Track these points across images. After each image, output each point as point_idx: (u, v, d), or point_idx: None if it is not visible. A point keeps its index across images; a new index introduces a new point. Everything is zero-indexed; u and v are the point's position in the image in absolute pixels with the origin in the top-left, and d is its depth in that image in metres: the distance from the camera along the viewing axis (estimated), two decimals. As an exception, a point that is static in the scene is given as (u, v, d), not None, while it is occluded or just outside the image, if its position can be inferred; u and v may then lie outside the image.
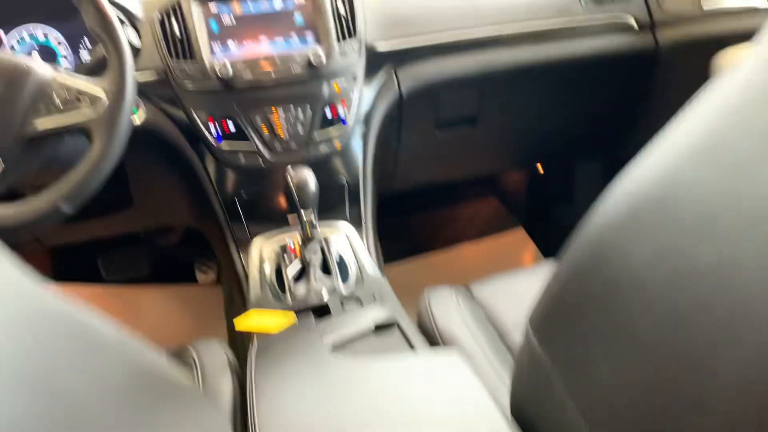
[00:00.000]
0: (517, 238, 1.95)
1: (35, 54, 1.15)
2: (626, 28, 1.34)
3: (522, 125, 1.51)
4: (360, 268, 1.05)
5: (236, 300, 1.19)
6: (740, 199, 0.38)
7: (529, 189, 2.02)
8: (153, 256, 1.79)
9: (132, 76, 0.85)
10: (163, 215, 1.45)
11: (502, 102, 1.41)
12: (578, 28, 1.32)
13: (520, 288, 1.02)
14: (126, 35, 0.88)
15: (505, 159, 1.67)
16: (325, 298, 0.97)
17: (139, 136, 0.86)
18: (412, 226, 1.97)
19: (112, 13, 0.85)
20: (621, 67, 1.39)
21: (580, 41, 1.33)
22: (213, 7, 1.12)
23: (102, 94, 0.83)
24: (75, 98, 0.83)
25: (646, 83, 1.41)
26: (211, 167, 1.17)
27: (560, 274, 0.59)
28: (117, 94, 0.83)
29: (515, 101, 1.42)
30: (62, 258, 1.73)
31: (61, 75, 0.85)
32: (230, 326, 1.46)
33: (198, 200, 1.23)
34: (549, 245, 1.92)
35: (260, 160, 1.12)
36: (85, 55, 1.16)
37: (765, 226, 0.36)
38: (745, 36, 1.16)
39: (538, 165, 1.94)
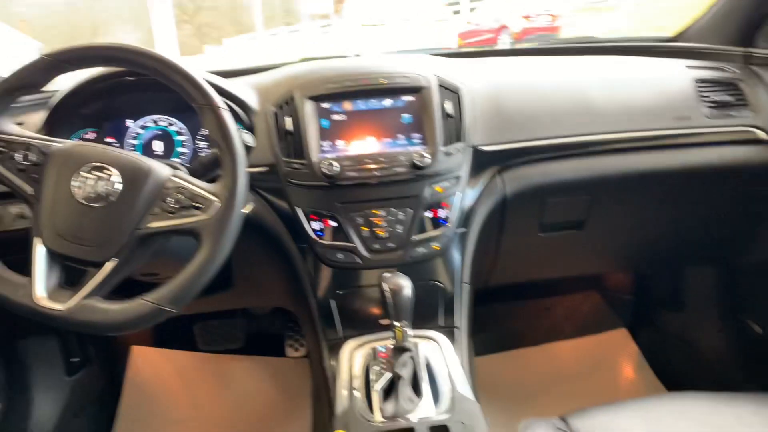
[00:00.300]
0: (619, 340, 1.84)
1: (156, 144, 1.23)
2: (755, 141, 1.25)
3: (632, 229, 1.43)
4: (452, 389, 1.01)
5: (322, 397, 1.18)
6: None
7: (634, 289, 1.91)
8: (247, 328, 1.84)
9: (245, 184, 0.88)
10: (260, 298, 1.49)
11: (613, 207, 1.35)
12: (700, 137, 1.25)
13: (625, 425, 0.94)
14: (242, 139, 0.91)
15: (611, 261, 1.59)
16: (414, 420, 0.94)
17: (244, 224, 0.89)
18: (505, 315, 1.91)
19: (232, 124, 0.89)
20: (744, 179, 1.30)
21: (701, 150, 1.26)
22: (324, 104, 1.16)
23: (215, 198, 0.87)
24: (189, 201, 0.87)
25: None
26: (309, 261, 1.18)
27: None
28: (229, 200, 0.86)
29: (627, 206, 1.36)
30: (161, 324, 1.81)
31: (178, 177, 0.89)
32: (315, 417, 1.46)
33: (294, 290, 1.25)
34: (654, 352, 1.79)
35: (358, 258, 1.12)
36: (202, 145, 1.23)
37: None
38: None
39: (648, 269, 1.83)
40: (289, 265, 1.20)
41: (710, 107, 1.26)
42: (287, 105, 1.15)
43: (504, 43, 13.45)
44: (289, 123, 1.14)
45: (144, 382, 1.79)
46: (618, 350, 1.84)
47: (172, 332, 1.83)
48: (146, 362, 1.81)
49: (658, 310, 1.81)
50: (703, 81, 1.28)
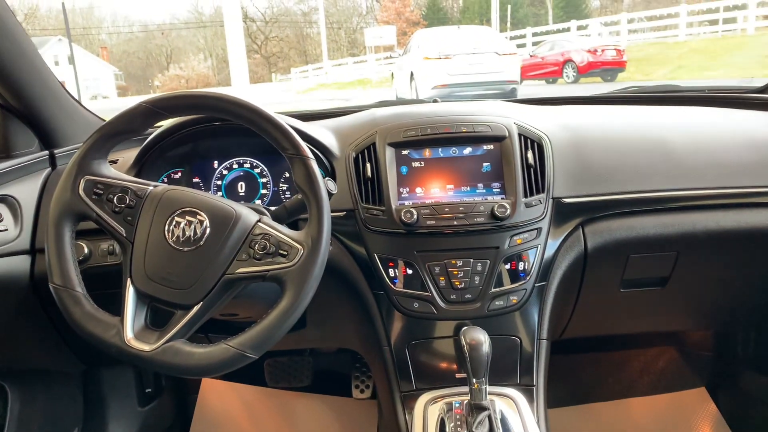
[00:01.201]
0: (698, 400, 1.75)
1: (240, 185, 1.26)
2: None
3: (717, 288, 1.37)
4: None
5: None
6: None
7: (715, 347, 1.81)
8: (314, 367, 1.85)
9: (328, 233, 0.89)
10: (330, 339, 1.49)
11: (698, 264, 1.29)
12: None
13: None
14: (326, 187, 0.92)
15: (693, 319, 1.52)
16: None
17: None
18: (578, 367, 1.85)
19: (319, 175, 0.90)
20: None
21: None
22: (404, 151, 1.17)
23: (300, 246, 0.88)
24: (275, 248, 0.88)
25: None
26: (383, 308, 1.18)
27: None
28: (313, 249, 0.87)
29: (713, 264, 1.30)
30: None
31: (264, 223, 0.91)
32: None
33: (366, 335, 1.24)
34: (734, 414, 1.69)
35: (434, 308, 1.11)
36: (284, 187, 1.25)
37: None
38: None
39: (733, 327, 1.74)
40: (362, 310, 1.20)
41: None
42: (367, 151, 1.16)
43: (568, 76, 13.38)
44: (369, 169, 1.15)
45: (213, 414, 1.81)
46: (696, 410, 1.74)
47: (242, 367, 1.86)
48: (216, 395, 1.84)
49: (740, 371, 1.72)
50: None
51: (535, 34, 19.10)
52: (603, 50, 13.16)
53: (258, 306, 1.13)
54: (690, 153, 1.22)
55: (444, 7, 37.76)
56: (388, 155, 1.15)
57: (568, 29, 18.20)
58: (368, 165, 1.15)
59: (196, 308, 0.88)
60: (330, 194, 1.12)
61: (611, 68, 12.87)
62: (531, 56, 14.67)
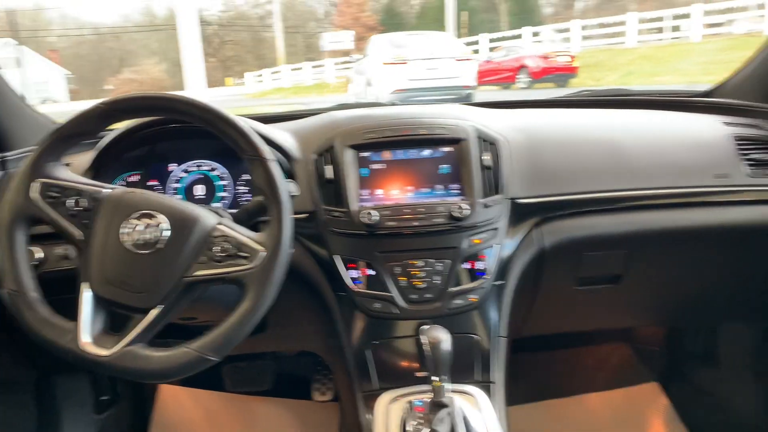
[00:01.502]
0: (650, 395, 1.81)
1: (198, 188, 1.25)
2: None
3: (668, 285, 1.42)
4: None
5: None
6: None
7: (666, 344, 1.88)
8: (274, 370, 1.84)
9: (290, 235, 0.89)
10: (292, 342, 1.49)
11: (650, 262, 1.33)
12: (739, 195, 1.24)
13: None
14: (288, 189, 0.92)
15: (647, 316, 1.57)
16: None
17: None
18: (536, 365, 1.89)
19: (280, 176, 0.91)
20: None
21: (742, 209, 1.25)
22: (364, 153, 1.17)
23: (260, 248, 0.87)
24: (235, 250, 0.88)
25: None
26: (345, 309, 1.18)
27: None
28: (274, 250, 0.87)
29: (665, 263, 1.35)
30: None
31: (224, 225, 0.90)
32: None
33: (328, 336, 1.25)
34: (685, 408, 1.75)
35: (395, 308, 1.12)
36: (243, 190, 1.25)
37: None
38: None
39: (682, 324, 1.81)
40: (324, 311, 1.20)
41: (751, 166, 1.25)
42: (327, 153, 1.17)
43: (522, 81, 13.62)
44: (329, 171, 1.15)
45: (171, 421, 1.78)
46: (649, 404, 1.80)
47: (200, 372, 1.84)
48: (174, 402, 1.81)
49: (690, 366, 1.78)
50: (742, 138, 1.28)
51: (491, 40, 19.37)
52: (556, 56, 13.45)
53: (218, 309, 1.12)
54: (639, 154, 1.26)
55: (401, 12, 37.98)
56: (349, 157, 1.16)
57: (520, 36, 18.52)
58: (328, 167, 1.15)
59: (155, 312, 0.87)
60: (291, 196, 1.12)
61: (564, 74, 13.15)
62: (486, 62, 14.88)
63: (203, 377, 1.82)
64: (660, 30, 16.71)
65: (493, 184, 1.16)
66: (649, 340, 1.92)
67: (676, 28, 16.27)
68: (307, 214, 1.15)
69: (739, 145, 1.27)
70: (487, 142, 1.19)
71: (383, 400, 1.12)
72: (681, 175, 1.24)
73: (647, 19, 16.59)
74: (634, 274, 1.32)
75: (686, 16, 15.51)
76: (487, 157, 1.17)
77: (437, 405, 1.00)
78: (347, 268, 1.13)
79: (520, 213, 1.18)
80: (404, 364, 1.18)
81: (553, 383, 1.87)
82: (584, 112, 1.43)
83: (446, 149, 1.18)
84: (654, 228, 1.23)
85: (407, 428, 1.02)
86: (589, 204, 1.22)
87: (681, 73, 11.21)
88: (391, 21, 34.24)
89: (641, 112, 1.43)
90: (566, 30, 17.97)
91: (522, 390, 1.75)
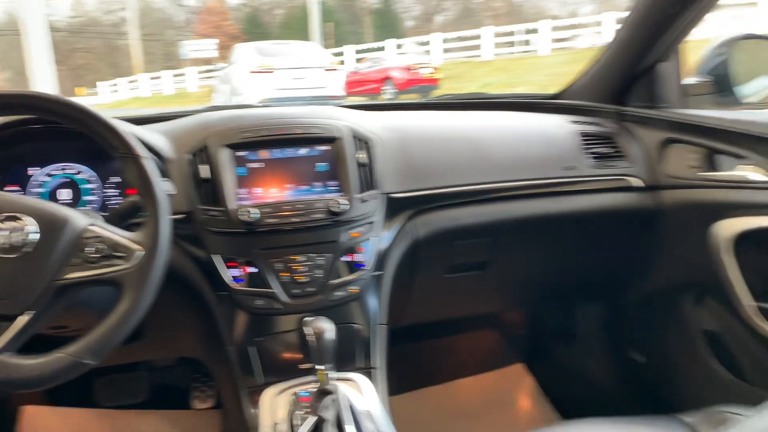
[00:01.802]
0: (517, 375, 1.95)
1: (62, 193, 1.19)
2: (630, 188, 1.41)
3: (528, 270, 1.55)
4: (376, 429, 1.04)
5: None
6: None
7: (529, 326, 2.04)
8: (149, 381, 1.77)
9: (167, 234, 0.88)
10: (169, 349, 1.45)
11: (511, 249, 1.45)
12: (584, 185, 1.39)
13: None
14: (163, 187, 0.91)
15: (511, 300, 1.70)
16: None
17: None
18: (415, 355, 1.97)
19: (155, 174, 0.89)
20: (623, 223, 1.46)
21: (586, 197, 1.39)
22: (240, 152, 1.18)
23: (137, 247, 0.86)
24: (110, 251, 0.85)
25: (646, 239, 1.47)
26: (227, 309, 1.18)
27: None
28: (153, 249, 0.86)
29: (524, 248, 1.47)
30: None
31: (97, 226, 0.87)
32: None
33: (209, 339, 1.23)
34: (549, 385, 1.91)
35: (278, 304, 1.13)
36: (112, 192, 1.20)
37: None
38: (744, 208, 1.23)
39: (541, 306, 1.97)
40: (204, 313, 1.19)
41: (593, 158, 1.41)
42: (202, 153, 1.16)
43: (388, 93, 14.02)
44: (204, 171, 1.14)
45: (36, 445, 1.65)
46: (517, 385, 1.94)
47: (67, 389, 1.72)
48: (39, 424, 1.67)
49: (551, 345, 1.94)
50: (585, 135, 1.44)
51: (357, 51, 19.75)
52: (419, 68, 13.97)
53: (90, 316, 1.07)
54: (499, 150, 1.37)
55: (264, 22, 37.62)
56: (225, 156, 1.16)
57: (384, 48, 19.07)
58: (204, 166, 1.15)
59: (24, 318, 0.82)
60: (167, 195, 1.10)
61: (427, 85, 13.68)
62: (353, 73, 15.15)
63: (71, 394, 1.70)
64: (512, 44, 17.94)
65: (368, 180, 1.21)
66: (515, 324, 2.07)
67: (526, 42, 17.53)
68: (184, 215, 1.13)
69: (584, 140, 1.43)
70: (362, 141, 1.24)
71: (268, 393, 1.13)
72: (534, 168, 1.37)
73: (501, 33, 17.72)
74: (498, 261, 1.43)
75: (535, 31, 16.78)
76: (362, 155, 1.22)
77: (322, 393, 1.03)
78: (227, 267, 1.13)
79: (394, 207, 1.25)
80: (289, 357, 1.20)
81: (430, 371, 1.96)
82: (449, 113, 1.53)
83: (322, 148, 1.21)
84: (513, 217, 1.35)
85: (294, 420, 1.04)
86: (456, 197, 1.31)
87: (533, 83, 12.07)
88: (255, 30, 33.82)
89: (499, 114, 1.56)
90: (427, 43, 18.73)
91: (402, 380, 1.82)
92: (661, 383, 1.61)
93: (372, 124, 1.32)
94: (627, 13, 1.45)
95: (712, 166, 1.34)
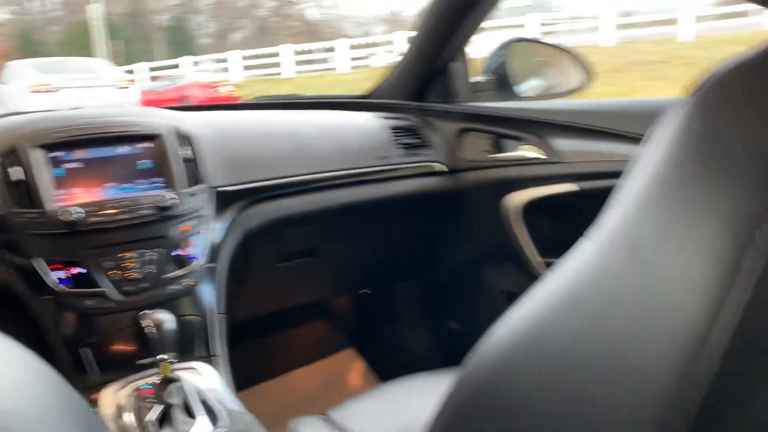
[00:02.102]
0: (348, 360, 2.06)
1: None
2: (435, 173, 1.59)
3: (354, 255, 1.67)
4: (224, 407, 1.06)
5: None
6: (590, 347, 0.52)
7: (356, 311, 2.16)
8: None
9: None
10: None
11: (338, 235, 1.56)
12: (396, 172, 1.54)
13: (374, 407, 1.12)
14: None
15: (340, 286, 1.81)
16: None
17: None
18: (250, 353, 1.98)
19: None
20: (431, 205, 1.64)
21: (399, 183, 1.55)
22: (55, 153, 1.13)
23: None
24: None
25: (452, 217, 1.67)
26: (54, 312, 1.12)
27: (455, 402, 0.68)
28: None
29: (350, 234, 1.59)
30: None
31: None
32: None
33: (38, 348, 1.16)
34: (377, 362, 2.05)
35: (109, 302, 1.11)
36: None
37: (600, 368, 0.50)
38: (527, 181, 1.46)
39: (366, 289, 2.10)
40: (28, 321, 1.12)
41: (402, 148, 1.56)
42: (12, 155, 1.10)
43: (189, 111, 13.53)
44: (16, 173, 1.08)
45: None
46: (348, 368, 2.05)
47: None
48: None
49: (377, 327, 2.08)
50: (394, 128, 1.59)
51: (152, 69, 18.85)
52: (218, 86, 13.71)
53: None
54: (318, 144, 1.47)
55: (39, 39, 34.35)
56: (37, 157, 1.11)
57: (179, 65, 18.48)
58: (15, 169, 1.09)
59: None
60: None
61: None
62: (149, 91, 14.42)
63: None
64: (312, 62, 18.40)
65: (195, 175, 1.23)
66: (344, 311, 2.18)
67: (324, 60, 18.10)
68: None
69: (393, 133, 1.58)
70: (185, 137, 1.26)
71: (108, 392, 1.10)
72: (352, 159, 1.49)
73: (300, 51, 18.08)
74: (327, 247, 1.53)
75: (333, 49, 17.40)
76: (186, 151, 1.24)
77: (167, 381, 1.03)
78: (51, 270, 1.08)
79: (223, 200, 1.28)
80: (126, 354, 1.17)
81: (269, 365, 1.99)
82: (269, 112, 1.60)
83: (144, 145, 1.21)
84: (337, 204, 1.46)
85: (139, 412, 1.03)
86: (282, 188, 1.38)
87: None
88: (29, 48, 30.75)
89: (316, 112, 1.66)
90: (225, 60, 18.48)
91: (242, 377, 1.83)
92: (474, 345, 1.82)
93: (193, 122, 1.34)
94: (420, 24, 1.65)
95: (500, 149, 1.58)
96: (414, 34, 1.67)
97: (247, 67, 18.31)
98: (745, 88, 0.46)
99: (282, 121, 1.53)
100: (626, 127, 1.29)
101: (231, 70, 17.90)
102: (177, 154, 1.22)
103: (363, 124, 1.60)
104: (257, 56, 18.43)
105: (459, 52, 1.65)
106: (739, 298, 0.41)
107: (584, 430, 0.52)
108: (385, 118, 1.64)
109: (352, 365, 2.06)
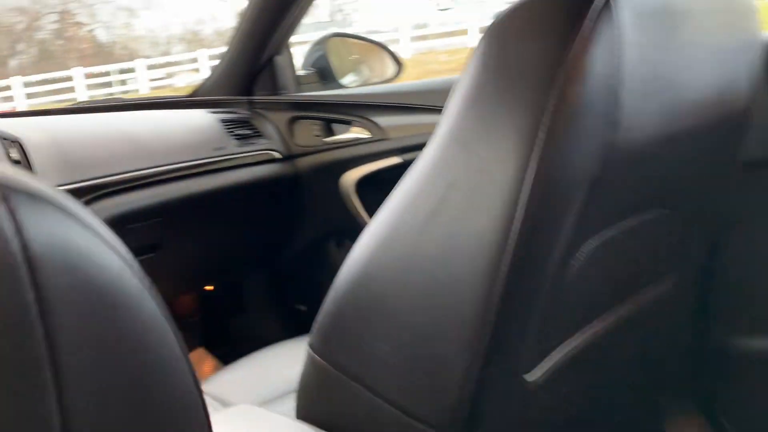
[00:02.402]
0: (198, 358, 2.04)
1: None
2: (272, 160, 1.68)
3: (199, 247, 1.68)
4: None
5: None
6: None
7: (202, 309, 2.15)
8: None
9: None
10: None
11: (181, 228, 1.57)
12: (233, 162, 1.60)
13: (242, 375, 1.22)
14: None
15: (186, 281, 1.80)
16: None
17: None
18: None
19: None
20: (271, 192, 1.71)
21: (236, 172, 1.61)
22: None
23: None
24: None
25: (292, 202, 1.76)
26: None
27: (335, 306, 0.81)
28: None
29: (192, 226, 1.61)
30: None
31: None
32: None
33: None
34: (229, 357, 2.05)
35: None
36: None
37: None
38: (358, 159, 1.61)
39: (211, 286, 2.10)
40: None
41: (237, 139, 1.63)
42: None
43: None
44: None
45: None
46: (200, 367, 2.03)
47: None
48: None
49: (226, 321, 2.09)
50: (226, 121, 1.65)
51: None
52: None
53: None
54: (153, 140, 1.49)
55: None
56: None
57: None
58: None
59: None
60: None
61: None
62: None
63: None
64: (110, 84, 17.27)
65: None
66: (190, 309, 2.15)
67: (123, 82, 17.08)
68: None
69: (225, 125, 1.64)
70: (9, 141, 1.23)
71: None
72: (188, 152, 1.53)
73: (94, 74, 16.88)
74: (170, 243, 1.54)
75: (132, 70, 16.49)
76: (14, 154, 1.21)
77: None
78: None
79: None
80: None
81: None
82: (95, 115, 1.57)
83: None
84: (177, 196, 1.48)
85: None
86: (119, 184, 1.38)
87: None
88: None
89: (146, 112, 1.66)
90: (8, 87, 16.70)
91: None
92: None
93: (17, 127, 1.31)
94: (236, 24, 1.72)
95: (332, 133, 1.71)
96: (234, 31, 1.73)
97: (31, 95, 16.68)
98: (528, 20, 0.63)
99: (113, 121, 1.53)
100: (437, 101, 1.49)
101: (16, 98, 16.19)
102: (5, 156, 1.19)
103: (194, 119, 1.64)
104: (44, 81, 16.86)
105: (283, 45, 1.75)
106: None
107: (425, 318, 0.70)
108: (215, 112, 1.69)
109: (202, 364, 2.05)
